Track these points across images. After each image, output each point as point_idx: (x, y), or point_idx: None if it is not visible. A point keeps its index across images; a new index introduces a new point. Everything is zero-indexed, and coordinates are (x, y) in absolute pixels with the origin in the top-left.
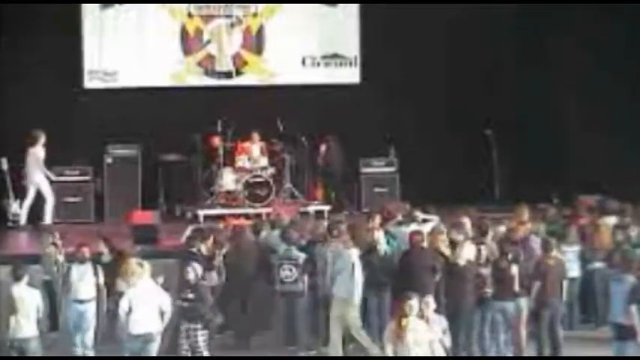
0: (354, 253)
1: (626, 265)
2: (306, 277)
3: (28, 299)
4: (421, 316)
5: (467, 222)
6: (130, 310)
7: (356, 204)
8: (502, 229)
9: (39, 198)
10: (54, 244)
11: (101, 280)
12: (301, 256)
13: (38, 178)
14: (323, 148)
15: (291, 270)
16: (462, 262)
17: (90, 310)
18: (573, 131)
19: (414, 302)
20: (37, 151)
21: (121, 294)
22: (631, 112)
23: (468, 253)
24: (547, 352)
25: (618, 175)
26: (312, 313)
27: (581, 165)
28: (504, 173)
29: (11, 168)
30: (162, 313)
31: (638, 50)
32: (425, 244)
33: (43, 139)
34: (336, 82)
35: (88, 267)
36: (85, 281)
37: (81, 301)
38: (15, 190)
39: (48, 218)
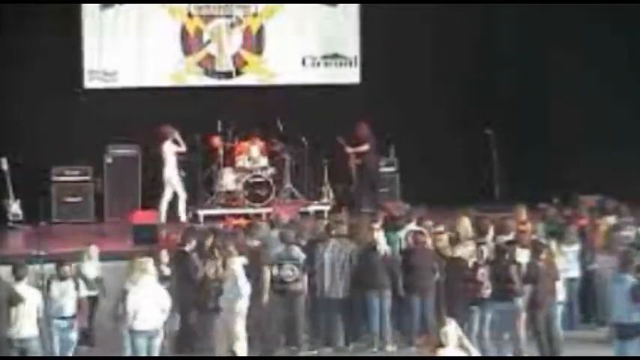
0: (237, 263)
1: (625, 265)
2: (305, 277)
3: (29, 299)
4: (460, 345)
5: (466, 221)
6: (136, 307)
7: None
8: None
9: (38, 197)
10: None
11: (83, 294)
12: (302, 256)
13: (168, 174)
14: (365, 147)
15: (292, 270)
16: (452, 258)
17: (73, 326)
18: (573, 131)
19: (450, 329)
20: (167, 147)
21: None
22: (631, 112)
23: (465, 251)
24: (547, 353)
25: (618, 175)
26: (312, 312)
27: (581, 165)
28: (504, 173)
29: (11, 168)
30: (162, 310)
31: (637, 48)
32: (428, 245)
33: (173, 135)
34: (336, 82)
35: (69, 283)
36: (67, 297)
37: (64, 318)
38: (15, 190)
39: (183, 216)
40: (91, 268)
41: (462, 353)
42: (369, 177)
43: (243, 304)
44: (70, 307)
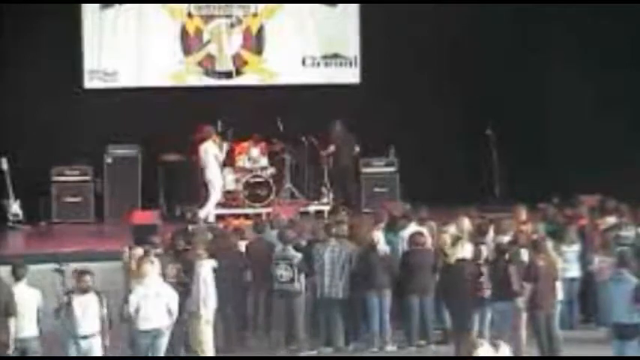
0: (206, 265)
1: (624, 265)
2: (302, 277)
3: (29, 299)
4: None
5: (466, 221)
6: (138, 306)
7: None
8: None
9: (38, 197)
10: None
11: (106, 311)
12: (297, 256)
13: (209, 174)
14: (331, 149)
15: (286, 269)
16: (455, 260)
17: (95, 346)
18: (573, 131)
19: (482, 351)
20: (207, 148)
21: None
22: (632, 112)
23: (464, 251)
24: (547, 353)
25: (618, 175)
26: (312, 312)
27: (581, 165)
28: (504, 173)
29: (11, 168)
30: (169, 310)
31: (638, 46)
32: (428, 245)
33: (213, 136)
34: (336, 82)
35: (91, 297)
36: (88, 314)
37: (84, 337)
38: (15, 190)
39: (203, 214)
40: None
41: None
42: (340, 176)
43: (209, 309)
44: (90, 325)
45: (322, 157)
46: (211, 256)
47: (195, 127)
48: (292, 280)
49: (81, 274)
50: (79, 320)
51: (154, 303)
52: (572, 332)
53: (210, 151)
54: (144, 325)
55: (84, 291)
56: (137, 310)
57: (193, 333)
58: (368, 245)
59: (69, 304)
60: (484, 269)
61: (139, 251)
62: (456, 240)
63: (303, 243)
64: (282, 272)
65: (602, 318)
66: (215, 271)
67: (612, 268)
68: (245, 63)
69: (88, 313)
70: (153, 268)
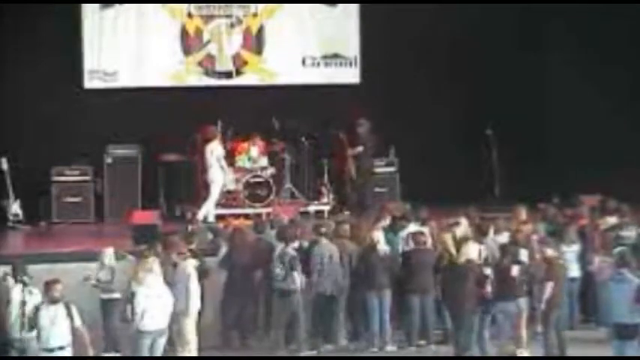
0: (190, 265)
1: (625, 265)
2: (296, 275)
3: (28, 299)
4: None
5: (466, 222)
6: (144, 307)
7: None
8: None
9: (38, 197)
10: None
11: (77, 322)
12: (289, 254)
13: (212, 175)
14: (359, 149)
15: (280, 268)
16: (463, 261)
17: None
18: (573, 131)
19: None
20: (213, 148)
21: None
22: (632, 112)
23: (471, 251)
24: (554, 352)
25: (618, 175)
26: (312, 312)
27: (581, 165)
28: (504, 173)
29: (11, 168)
30: (168, 311)
31: (638, 45)
32: (428, 245)
33: (219, 136)
34: (336, 82)
35: (59, 307)
36: (57, 325)
37: (51, 350)
38: (15, 190)
39: (201, 214)
40: (105, 271)
41: None
42: (361, 177)
43: (193, 308)
44: (60, 337)
45: (348, 157)
46: (228, 254)
47: (195, 127)
48: (286, 279)
49: (52, 283)
50: (47, 332)
51: (157, 303)
52: (572, 332)
53: (216, 152)
54: (148, 325)
55: (54, 301)
56: (144, 312)
57: (180, 332)
58: (368, 245)
59: (35, 315)
60: (486, 270)
61: (110, 251)
62: (464, 241)
63: (306, 243)
64: (278, 271)
65: (602, 318)
66: (230, 269)
67: (612, 268)
68: (245, 63)
69: (57, 324)
70: (156, 269)
